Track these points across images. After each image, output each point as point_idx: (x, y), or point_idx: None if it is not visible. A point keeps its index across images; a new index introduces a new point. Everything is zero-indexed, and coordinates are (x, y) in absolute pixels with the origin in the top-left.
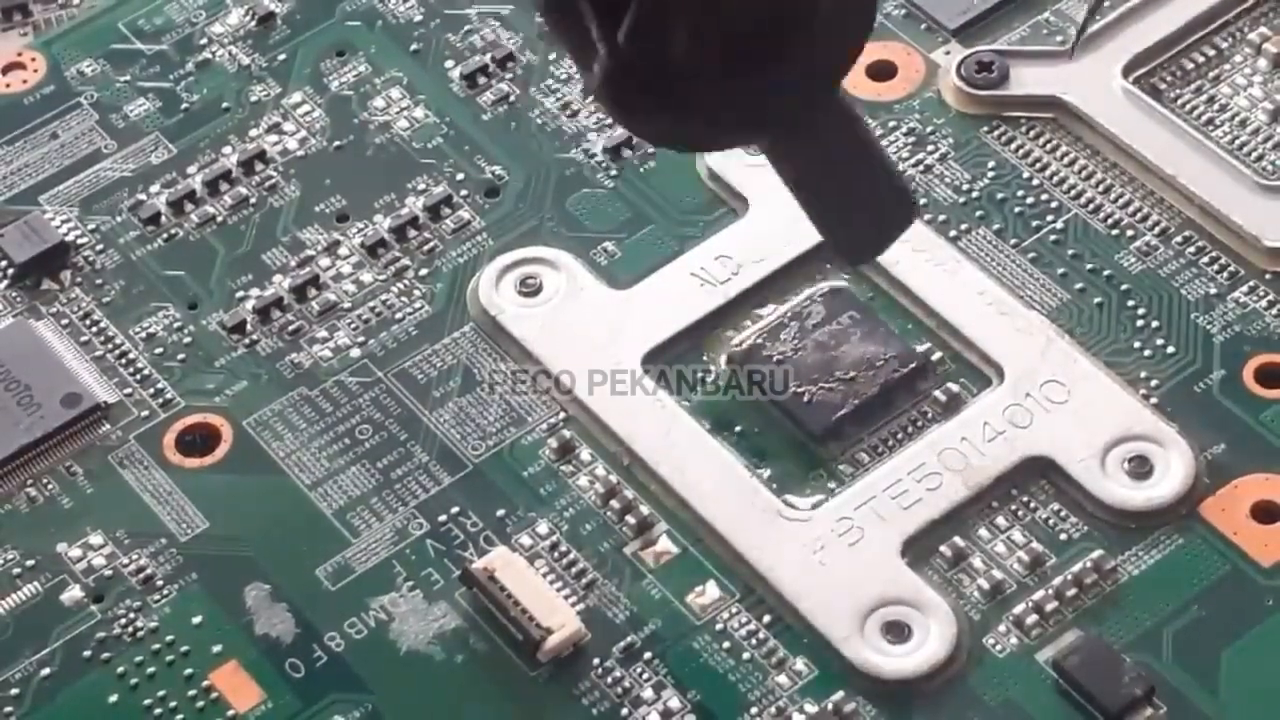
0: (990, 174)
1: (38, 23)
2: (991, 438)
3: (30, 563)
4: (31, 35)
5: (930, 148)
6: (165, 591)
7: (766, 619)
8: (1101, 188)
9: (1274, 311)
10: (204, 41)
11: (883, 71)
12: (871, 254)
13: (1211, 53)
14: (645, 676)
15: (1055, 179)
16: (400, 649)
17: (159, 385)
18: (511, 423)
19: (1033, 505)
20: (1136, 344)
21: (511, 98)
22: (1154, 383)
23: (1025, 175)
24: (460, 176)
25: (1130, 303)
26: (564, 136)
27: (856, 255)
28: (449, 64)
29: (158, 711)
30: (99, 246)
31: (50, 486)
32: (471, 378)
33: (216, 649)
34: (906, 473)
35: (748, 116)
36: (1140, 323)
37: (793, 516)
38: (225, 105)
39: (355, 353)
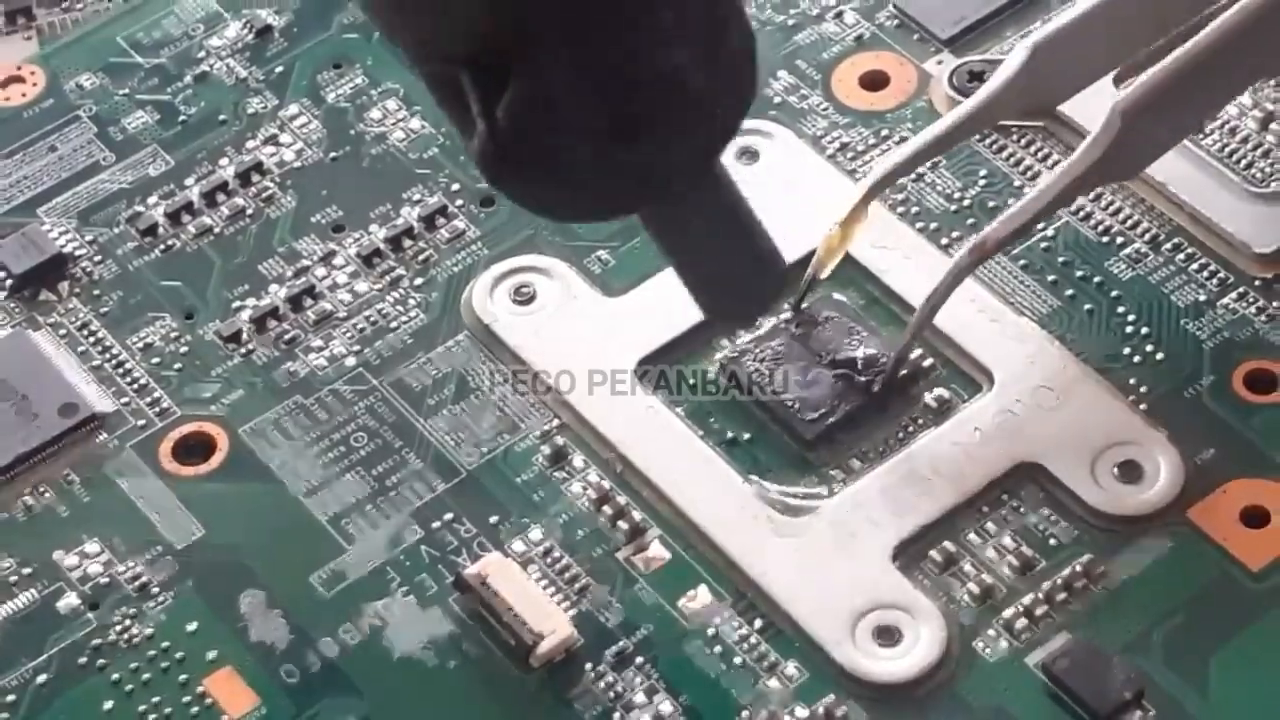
0: (982, 182)
1: (41, 26)
2: (982, 443)
3: (27, 570)
4: (35, 39)
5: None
6: (161, 599)
7: (758, 623)
8: (1092, 195)
9: (1263, 318)
10: (202, 55)
11: (875, 81)
12: (745, 319)
13: None
14: (637, 681)
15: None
16: (394, 654)
17: (155, 394)
18: (505, 429)
19: (1023, 510)
20: (1126, 350)
21: None
22: (1144, 388)
23: (1017, 183)
24: (455, 186)
25: (1120, 309)
26: None
27: (730, 319)
28: None
29: (152, 718)
30: (97, 257)
31: (47, 495)
32: (466, 385)
33: (211, 655)
34: (897, 478)
35: (625, 192)
36: (1130, 329)
37: (784, 522)
38: (223, 118)
39: (350, 361)
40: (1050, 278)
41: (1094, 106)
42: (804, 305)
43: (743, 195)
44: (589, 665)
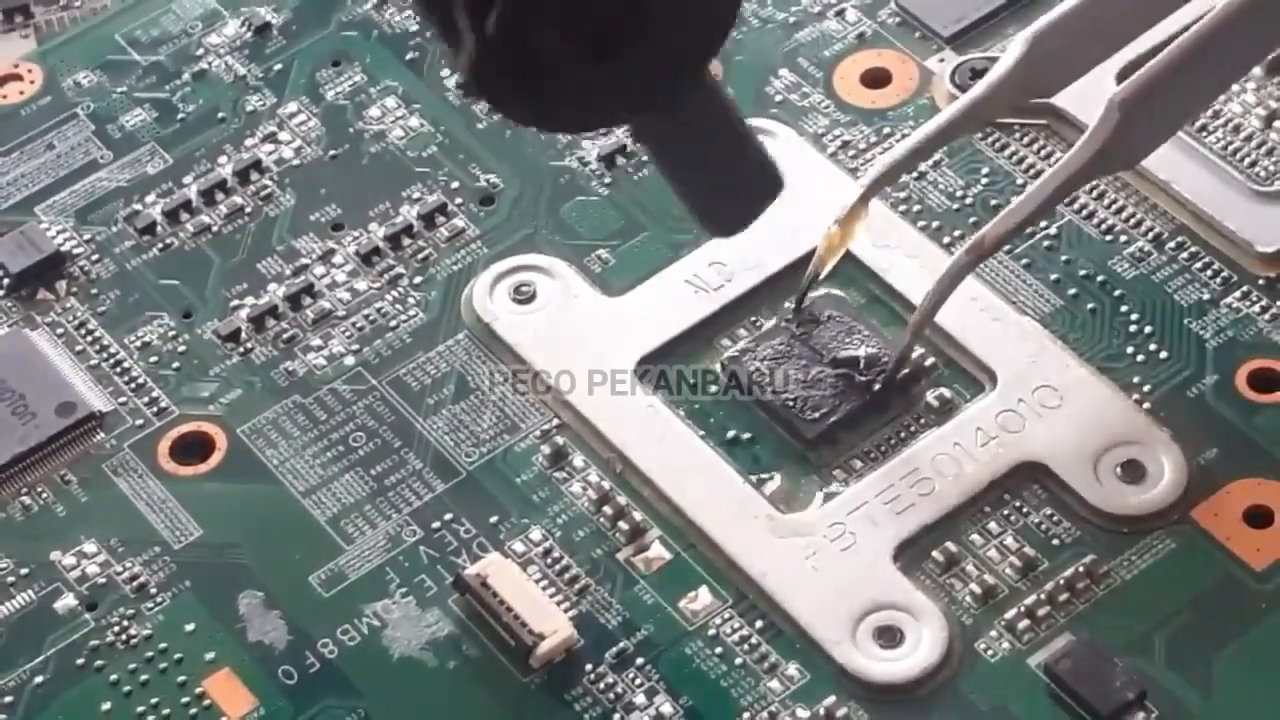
0: (984, 180)
1: (39, 24)
2: (984, 443)
3: (24, 571)
4: (33, 37)
5: (920, 163)
6: (159, 599)
7: (759, 624)
8: (1095, 193)
9: (1267, 317)
10: (200, 52)
11: (877, 79)
12: (739, 227)
13: None
14: (637, 682)
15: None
16: (393, 655)
17: (153, 394)
18: (505, 429)
19: (1025, 510)
20: (1129, 349)
21: None
22: (1147, 388)
23: (1019, 181)
24: (455, 185)
25: (1123, 308)
26: (558, 144)
27: (725, 228)
28: (444, 73)
29: (151, 719)
30: (94, 256)
31: (44, 495)
32: (465, 385)
33: (209, 656)
34: (899, 478)
35: (614, 101)
36: (1133, 328)
37: (785, 522)
38: (221, 115)
39: (349, 360)
40: (1053, 276)
41: (1095, 103)
42: (805, 304)
43: (734, 105)
44: (589, 666)
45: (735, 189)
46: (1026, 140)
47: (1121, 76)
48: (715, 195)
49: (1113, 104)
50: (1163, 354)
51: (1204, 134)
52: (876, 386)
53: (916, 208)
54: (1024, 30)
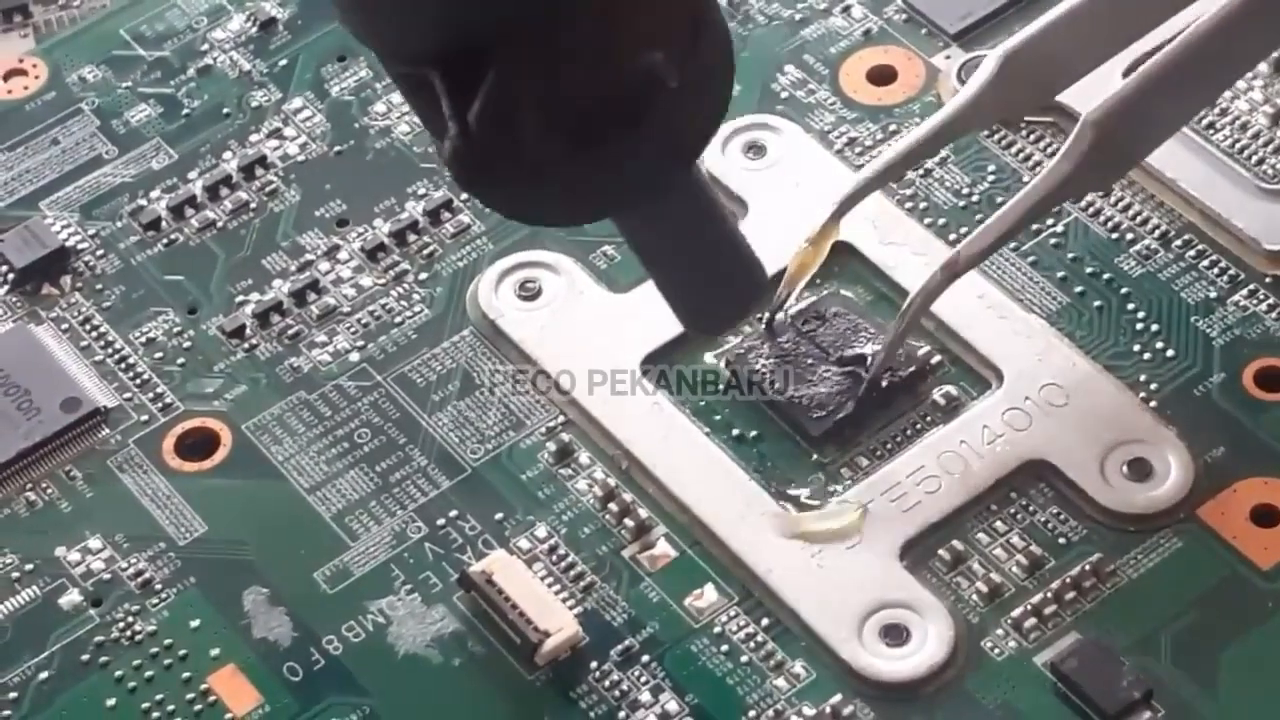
0: (990, 177)
1: (38, 24)
2: (990, 441)
3: (29, 567)
4: (32, 37)
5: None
6: (164, 595)
7: (765, 622)
8: (1101, 191)
9: (1274, 315)
10: (205, 47)
11: (883, 76)
12: (722, 327)
13: None
14: (643, 680)
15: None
16: (398, 652)
17: (158, 390)
18: (510, 426)
19: (1031, 508)
20: (1136, 347)
21: None
22: (1153, 386)
23: (1025, 179)
24: None
25: (1130, 306)
26: None
27: (707, 328)
28: None
29: (156, 715)
30: (99, 251)
31: (49, 491)
32: (470, 381)
33: (214, 652)
34: (905, 476)
35: (597, 197)
36: (1140, 326)
37: (791, 519)
38: (226, 111)
39: (354, 357)
40: (1059, 274)
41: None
42: (775, 321)
43: (719, 202)
44: (594, 663)
45: (719, 289)
46: (1033, 138)
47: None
48: (699, 294)
49: (1085, 124)
50: (1169, 352)
51: (1211, 132)
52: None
53: (923, 205)
54: (996, 49)
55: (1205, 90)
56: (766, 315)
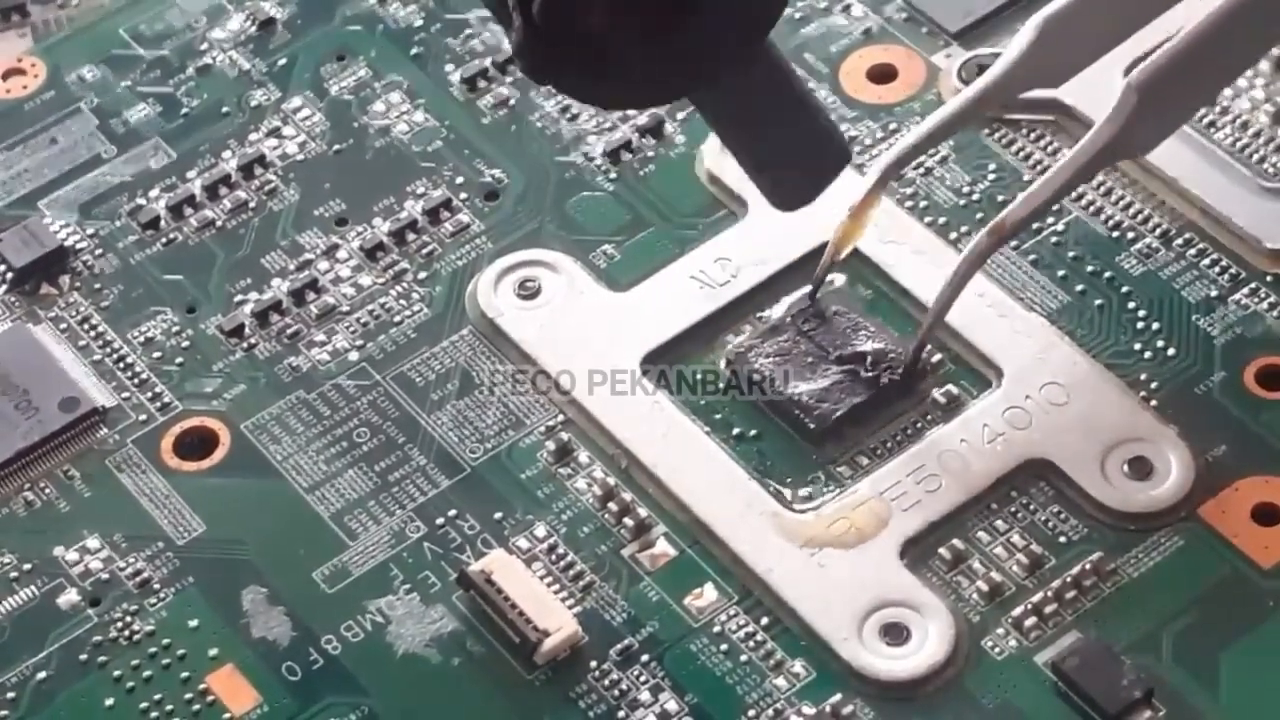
0: (991, 176)
1: (35, 23)
2: (991, 440)
3: (27, 566)
4: (30, 36)
5: (931, 150)
6: (162, 595)
7: (764, 621)
8: (1102, 190)
9: (1275, 314)
10: (204, 47)
11: (884, 75)
12: (805, 200)
13: None
14: (643, 679)
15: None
16: (397, 652)
17: (157, 389)
18: (509, 425)
19: (1032, 507)
20: (1137, 346)
21: (511, 101)
22: (1154, 384)
23: (1026, 178)
24: (460, 180)
25: (1131, 305)
26: (563, 140)
27: (790, 202)
28: (449, 68)
29: (154, 715)
30: (98, 251)
31: (47, 490)
32: (470, 380)
33: (213, 652)
34: (905, 474)
35: (670, 76)
36: (1141, 325)
37: (791, 518)
38: (225, 110)
39: (353, 356)
40: (1060, 273)
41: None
42: (818, 295)
43: (795, 74)
44: (594, 663)
45: (801, 162)
46: (1034, 136)
47: (1128, 73)
48: (781, 168)
49: (1129, 87)
50: (1170, 350)
51: (1212, 130)
52: (890, 379)
53: (924, 204)
54: (1034, 15)
55: (1243, 56)
56: (810, 289)
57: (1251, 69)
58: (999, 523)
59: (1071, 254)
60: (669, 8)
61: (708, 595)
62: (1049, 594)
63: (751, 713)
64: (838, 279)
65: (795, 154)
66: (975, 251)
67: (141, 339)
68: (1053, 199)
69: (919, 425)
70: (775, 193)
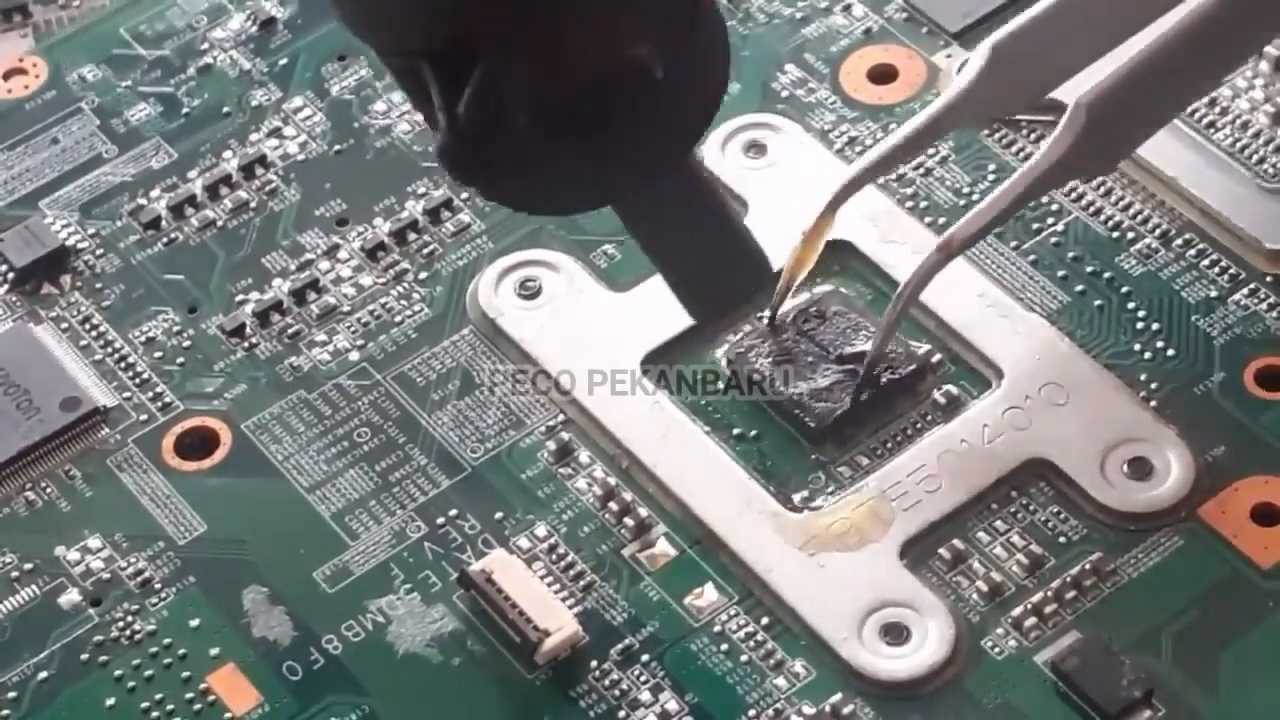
0: (991, 176)
1: (37, 24)
2: (991, 440)
3: (28, 566)
4: (31, 36)
5: (931, 150)
6: (163, 594)
7: (765, 621)
8: (1102, 190)
9: (1275, 314)
10: (205, 46)
11: (884, 75)
12: (720, 314)
13: None
14: (643, 679)
15: (1053, 189)
16: (398, 651)
17: (158, 389)
18: (510, 425)
19: (1032, 507)
20: (1137, 346)
21: None
22: (1154, 385)
23: None
24: None
25: (1130, 305)
26: None
27: (705, 314)
28: None
29: (155, 714)
30: (99, 251)
31: (49, 490)
32: (470, 380)
33: (214, 652)
34: (905, 475)
35: (592, 185)
36: (1140, 325)
37: (791, 518)
38: (226, 110)
39: (354, 356)
40: (1060, 273)
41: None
42: (778, 317)
43: (718, 191)
44: (594, 663)
45: (720, 276)
46: (1033, 137)
47: None
48: (699, 281)
49: (1079, 106)
50: (1170, 351)
51: (1212, 131)
52: (862, 395)
53: (923, 203)
54: (984, 41)
55: (1199, 79)
56: (767, 313)
57: (1251, 70)
58: (999, 523)
59: (1071, 254)
60: (594, 112)
61: (708, 595)
62: (1049, 594)
63: (752, 712)
64: (834, 281)
65: (713, 268)
66: (923, 269)
67: (143, 339)
68: (1001, 216)
69: (919, 425)
70: (691, 303)
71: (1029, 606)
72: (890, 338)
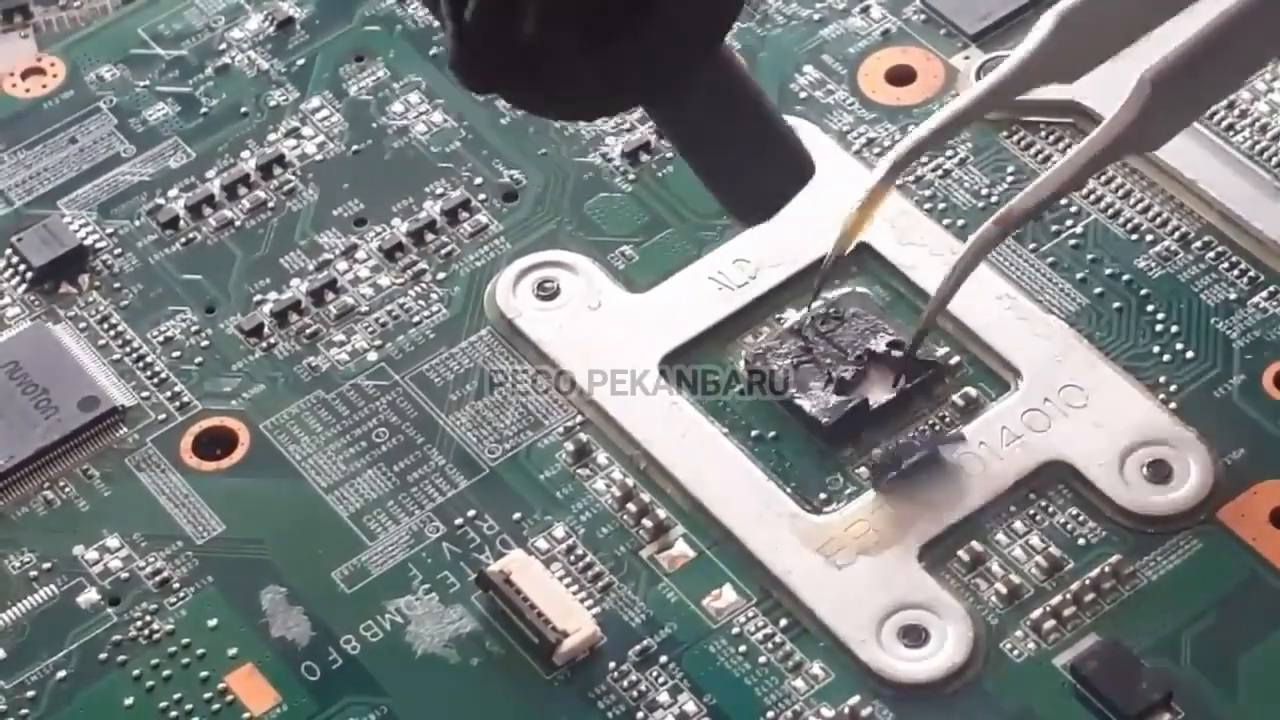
0: (1009, 178)
1: (39, 24)
2: (1009, 442)
3: (47, 565)
4: (33, 37)
5: (949, 152)
6: (181, 594)
7: (783, 623)
8: (1121, 192)
9: None
10: (223, 47)
11: (902, 76)
12: (767, 214)
13: None
14: (661, 680)
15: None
16: (416, 652)
17: (176, 388)
18: (528, 426)
19: (1051, 510)
20: (1155, 349)
21: None
22: (1173, 387)
23: None
24: (478, 180)
25: (1149, 307)
26: (582, 140)
27: (750, 216)
28: None
29: (173, 714)
30: (117, 250)
31: (67, 489)
32: (488, 381)
33: (232, 652)
34: (924, 476)
35: (612, 87)
36: (1159, 327)
37: (809, 520)
38: (244, 110)
39: (372, 356)
40: (1079, 275)
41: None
42: (820, 297)
43: (756, 85)
44: (612, 664)
45: (761, 175)
46: (1052, 139)
47: None
48: (740, 182)
49: (1143, 80)
50: (1189, 354)
51: (1231, 133)
52: (903, 381)
53: (942, 205)
54: (1054, 7)
55: (1260, 51)
56: (816, 281)
57: (1270, 72)
58: (1018, 525)
59: (1090, 256)
60: (609, 15)
61: (726, 596)
62: (1068, 596)
63: (770, 714)
64: (852, 283)
65: (754, 166)
66: (981, 240)
67: (161, 338)
68: (1061, 191)
69: (938, 427)
70: (734, 205)
71: (1048, 609)
72: (940, 310)
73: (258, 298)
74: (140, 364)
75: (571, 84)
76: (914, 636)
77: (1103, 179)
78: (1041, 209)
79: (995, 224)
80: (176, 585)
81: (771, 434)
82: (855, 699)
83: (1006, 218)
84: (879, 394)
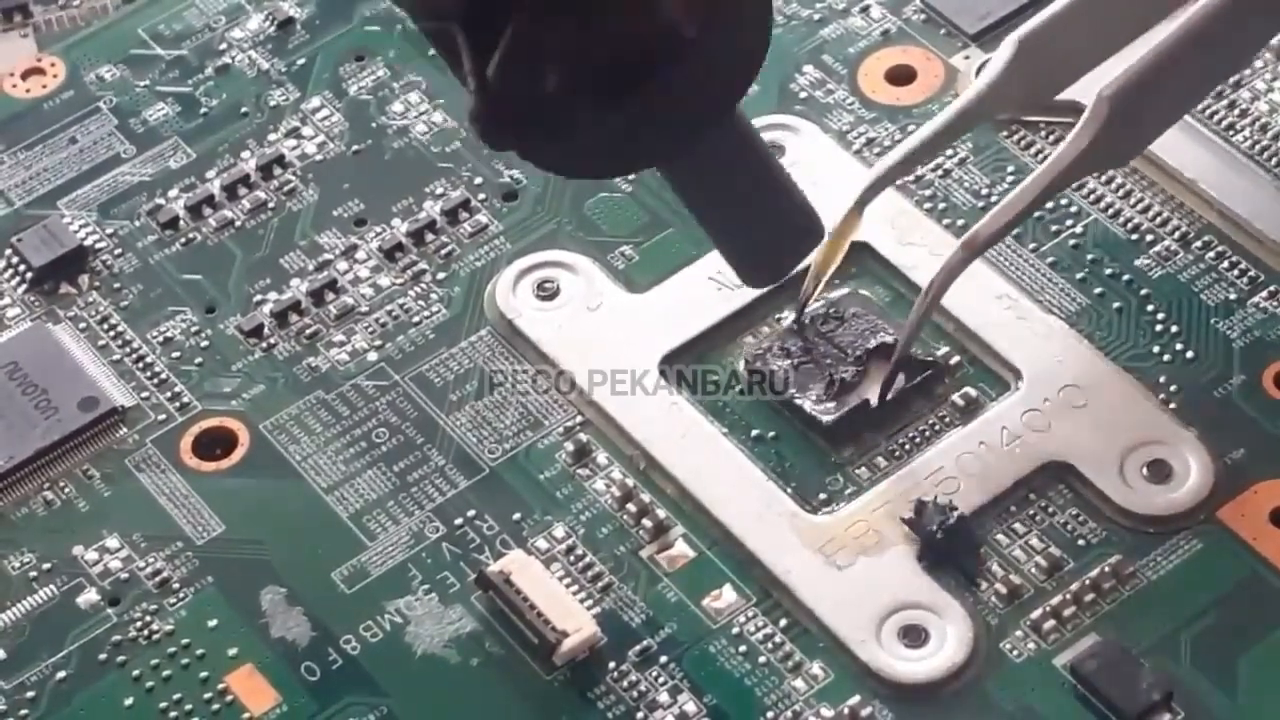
0: (1010, 178)
1: (38, 23)
2: (1009, 442)
3: (47, 566)
4: (32, 37)
5: (950, 152)
6: (181, 595)
7: (783, 623)
8: (1121, 192)
9: None
10: (223, 47)
11: (902, 76)
12: (774, 278)
13: None
14: (661, 680)
15: (1074, 183)
16: (416, 652)
17: (176, 389)
18: (528, 426)
19: (1050, 510)
20: (1156, 349)
21: None
22: (1173, 387)
23: None
24: (478, 180)
25: (1150, 308)
26: None
27: (759, 279)
28: None
29: (173, 714)
30: (117, 250)
31: (67, 490)
32: (488, 381)
33: (232, 652)
34: (924, 477)
35: (630, 149)
36: (1159, 328)
37: (809, 520)
38: (244, 110)
39: (372, 356)
40: (1079, 275)
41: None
42: (804, 318)
43: (765, 151)
44: (612, 664)
45: (772, 237)
46: (1053, 139)
47: None
48: (751, 244)
49: (1101, 98)
50: (1189, 353)
51: (1231, 132)
52: (888, 394)
53: (942, 205)
54: (1011, 34)
55: (1219, 66)
56: (794, 313)
57: (1271, 72)
58: (1018, 525)
59: (1090, 256)
60: (629, 73)
61: (726, 597)
62: (1068, 596)
63: (770, 714)
64: (852, 284)
65: (765, 228)
66: (949, 267)
67: (160, 339)
68: (1025, 212)
69: (937, 427)
70: (744, 267)
71: (1048, 609)
72: (915, 338)
73: (258, 298)
74: (140, 364)
75: (592, 142)
76: (914, 637)
77: (1103, 179)
78: (1007, 232)
79: (962, 249)
80: (176, 585)
81: (771, 434)
82: (855, 699)
83: (972, 242)
84: (879, 394)
